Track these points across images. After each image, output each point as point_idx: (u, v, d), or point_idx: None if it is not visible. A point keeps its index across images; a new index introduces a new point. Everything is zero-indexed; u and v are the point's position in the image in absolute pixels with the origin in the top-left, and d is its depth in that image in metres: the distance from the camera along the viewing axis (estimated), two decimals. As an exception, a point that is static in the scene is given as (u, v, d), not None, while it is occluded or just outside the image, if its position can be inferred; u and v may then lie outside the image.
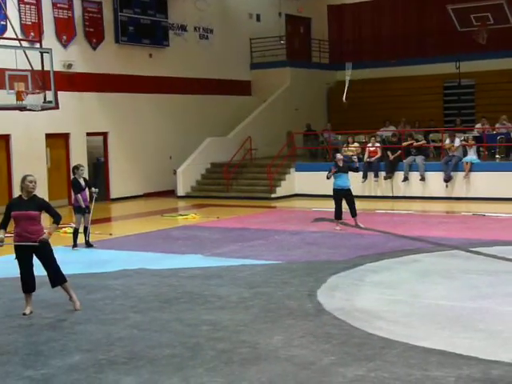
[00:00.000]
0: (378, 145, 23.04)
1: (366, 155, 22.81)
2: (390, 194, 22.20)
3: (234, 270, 11.43)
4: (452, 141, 21.82)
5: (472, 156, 21.46)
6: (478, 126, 23.42)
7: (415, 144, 22.50)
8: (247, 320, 8.42)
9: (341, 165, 15.64)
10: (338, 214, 15.76)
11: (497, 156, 21.98)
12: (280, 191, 23.39)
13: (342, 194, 15.62)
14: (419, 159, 21.93)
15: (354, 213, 15.71)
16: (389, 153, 22.60)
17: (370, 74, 27.86)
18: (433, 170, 21.62)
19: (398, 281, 10.47)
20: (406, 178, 21.88)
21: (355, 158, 16.92)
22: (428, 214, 18.94)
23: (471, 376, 6.36)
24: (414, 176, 21.77)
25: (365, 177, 22.40)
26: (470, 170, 20.89)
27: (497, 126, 22.71)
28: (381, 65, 27.77)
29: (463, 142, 22.10)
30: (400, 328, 7.96)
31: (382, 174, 22.36)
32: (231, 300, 9.44)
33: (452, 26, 24.06)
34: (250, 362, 6.89)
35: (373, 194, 22.30)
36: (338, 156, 16.05)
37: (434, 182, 21.49)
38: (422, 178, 21.60)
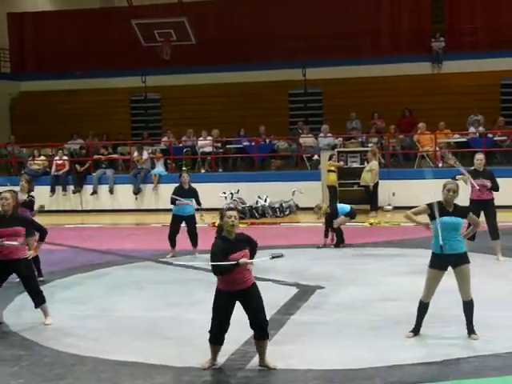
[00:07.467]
0: (65, 158, 22.62)
1: (53, 168, 22.30)
2: (80, 208, 21.91)
3: None
4: (140, 153, 22.15)
5: (160, 168, 21.98)
6: (165, 139, 24.04)
7: (104, 157, 22.51)
8: None
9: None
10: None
11: (183, 168, 22.69)
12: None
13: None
14: (109, 172, 21.96)
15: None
16: (77, 166, 22.31)
17: (55, 85, 27.22)
18: (122, 183, 21.75)
19: (88, 295, 10.28)
20: (94, 192, 21.73)
21: None
22: (118, 226, 18.96)
23: (163, 384, 6.41)
24: (104, 189, 21.72)
25: (53, 191, 21.87)
26: (159, 182, 21.35)
27: (183, 138, 23.49)
28: (67, 76, 27.26)
29: (151, 155, 22.55)
30: (91, 343, 7.81)
31: (71, 187, 22.01)
32: None
33: (138, 40, 24.42)
34: None
35: (61, 208, 21.80)
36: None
37: (124, 194, 21.63)
38: (111, 191, 21.64)
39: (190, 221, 13.30)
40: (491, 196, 11.96)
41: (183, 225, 13.38)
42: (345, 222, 13.97)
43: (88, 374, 6.79)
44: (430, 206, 7.58)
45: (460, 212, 7.59)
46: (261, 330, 6.79)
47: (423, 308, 7.68)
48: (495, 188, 11.89)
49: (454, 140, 21.71)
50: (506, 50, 23.95)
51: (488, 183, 11.78)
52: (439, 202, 7.57)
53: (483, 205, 11.71)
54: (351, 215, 13.98)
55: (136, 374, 6.75)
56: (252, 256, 6.91)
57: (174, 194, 13.29)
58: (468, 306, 7.54)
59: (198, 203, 13.43)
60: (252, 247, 6.91)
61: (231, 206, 7.09)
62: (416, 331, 7.70)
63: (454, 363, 6.78)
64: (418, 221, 7.80)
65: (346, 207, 13.94)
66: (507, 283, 10.23)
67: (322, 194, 19.61)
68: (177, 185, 13.46)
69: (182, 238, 13.37)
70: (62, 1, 29.58)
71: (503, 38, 24.63)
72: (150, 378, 6.64)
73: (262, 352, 6.89)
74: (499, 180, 12.06)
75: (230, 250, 6.65)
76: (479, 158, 12.08)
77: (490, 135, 21.51)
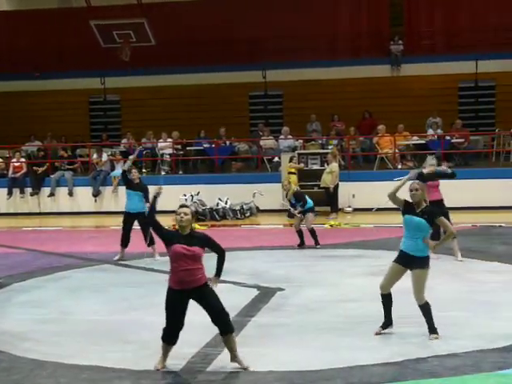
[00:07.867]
0: (23, 160, 22.34)
1: (10, 171, 22.00)
2: (38, 211, 21.64)
3: None
4: (100, 156, 21.97)
5: (119, 170, 21.76)
6: (124, 141, 23.87)
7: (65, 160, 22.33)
8: None
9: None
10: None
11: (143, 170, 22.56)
12: None
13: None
14: (68, 174, 21.74)
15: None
16: (35, 168, 22.04)
17: (12, 86, 26.80)
18: (81, 185, 21.54)
19: (47, 299, 10.15)
20: (52, 194, 21.48)
21: None
22: (78, 229, 18.76)
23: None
24: (62, 191, 21.49)
25: (10, 193, 21.56)
26: (118, 185, 21.17)
27: (143, 140, 23.33)
28: (24, 77, 26.86)
29: (110, 157, 22.37)
30: (50, 348, 7.70)
31: (29, 190, 21.73)
32: None
33: (96, 41, 24.20)
34: None
35: (19, 211, 21.53)
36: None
37: (83, 196, 21.42)
38: (71, 193, 21.42)
39: (142, 218, 13.11)
40: (441, 196, 12.10)
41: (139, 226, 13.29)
42: (314, 218, 14.30)
43: (46, 379, 6.69)
44: (405, 201, 7.67)
45: (426, 213, 7.55)
46: (223, 323, 6.72)
47: (387, 300, 7.71)
48: (452, 174, 12.14)
49: (413, 142, 21.94)
50: (463, 53, 24.29)
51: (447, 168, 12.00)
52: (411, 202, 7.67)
53: (435, 206, 11.83)
54: (314, 210, 14.33)
55: (95, 379, 6.68)
56: (221, 263, 6.85)
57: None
58: (423, 310, 7.59)
59: (147, 199, 12.95)
60: (215, 250, 6.84)
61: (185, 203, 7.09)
62: (385, 326, 7.75)
63: (413, 363, 6.84)
64: (401, 182, 7.74)
65: (311, 201, 14.21)
66: (464, 284, 10.35)
67: (282, 195, 19.63)
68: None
69: (140, 241, 13.25)
70: (19, 1, 29.11)
71: (461, 42, 24.95)
72: (109, 382, 6.57)
73: (231, 348, 6.81)
74: (457, 182, 12.22)
75: (176, 240, 6.62)
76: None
77: (447, 137, 21.78)
